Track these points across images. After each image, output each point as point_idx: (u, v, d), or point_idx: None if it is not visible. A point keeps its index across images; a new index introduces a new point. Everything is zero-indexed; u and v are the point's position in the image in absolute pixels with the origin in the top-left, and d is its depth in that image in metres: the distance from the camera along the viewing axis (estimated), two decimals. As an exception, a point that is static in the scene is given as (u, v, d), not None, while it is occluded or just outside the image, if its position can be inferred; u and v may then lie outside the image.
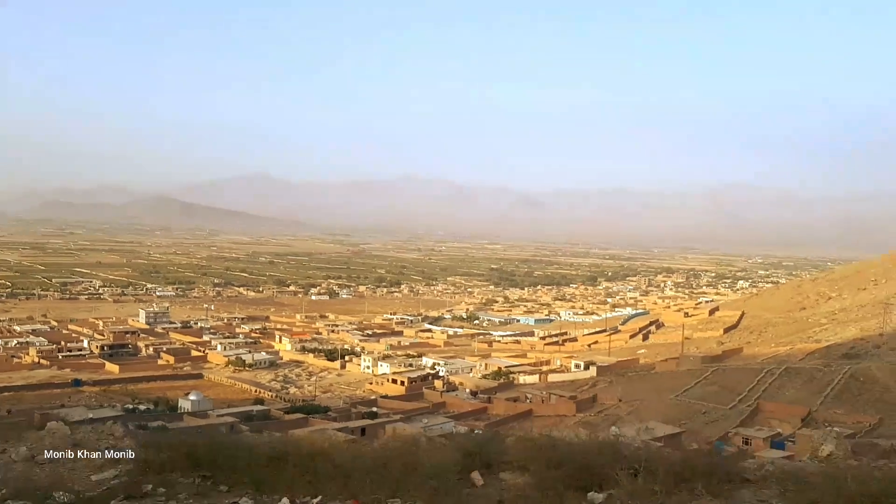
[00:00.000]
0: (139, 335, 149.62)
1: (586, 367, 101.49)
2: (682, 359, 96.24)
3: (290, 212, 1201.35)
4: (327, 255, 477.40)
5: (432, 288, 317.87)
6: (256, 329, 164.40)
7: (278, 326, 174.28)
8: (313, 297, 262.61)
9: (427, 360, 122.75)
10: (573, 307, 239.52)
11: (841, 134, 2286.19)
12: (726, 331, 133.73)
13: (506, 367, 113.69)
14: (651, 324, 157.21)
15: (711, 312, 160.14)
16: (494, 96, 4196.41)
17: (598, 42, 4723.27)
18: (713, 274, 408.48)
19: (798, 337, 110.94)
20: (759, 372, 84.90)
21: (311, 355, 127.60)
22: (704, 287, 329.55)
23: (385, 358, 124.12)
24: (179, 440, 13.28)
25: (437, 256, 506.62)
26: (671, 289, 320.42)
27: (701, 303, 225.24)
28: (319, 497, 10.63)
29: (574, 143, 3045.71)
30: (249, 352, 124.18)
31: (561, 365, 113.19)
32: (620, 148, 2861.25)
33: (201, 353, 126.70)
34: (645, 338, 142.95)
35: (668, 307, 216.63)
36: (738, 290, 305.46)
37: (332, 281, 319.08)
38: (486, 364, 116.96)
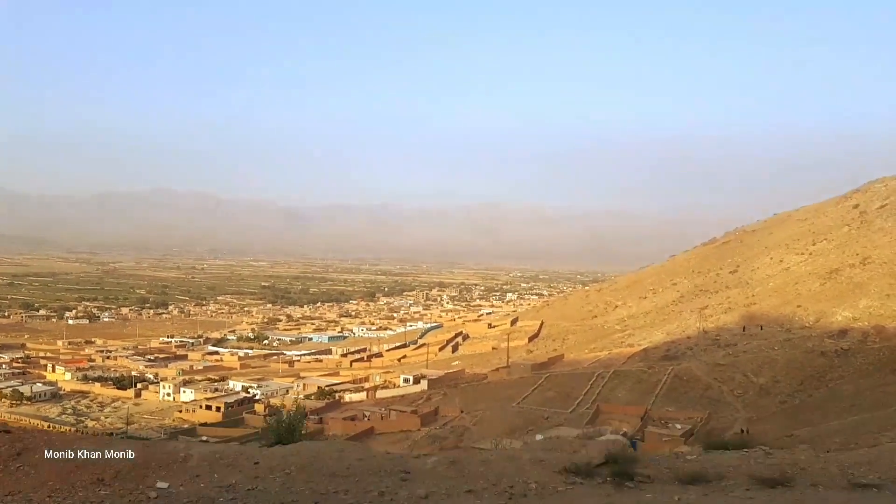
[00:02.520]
0: None
1: (416, 381, 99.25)
2: (512, 367, 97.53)
3: (23, 228, 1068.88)
4: (74, 274, 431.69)
5: (204, 308, 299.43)
6: (17, 358, 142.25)
7: (41, 355, 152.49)
8: (71, 322, 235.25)
9: (235, 384, 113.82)
10: (363, 323, 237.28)
11: (582, 153, 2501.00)
12: (531, 339, 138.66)
13: (326, 385, 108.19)
14: (457, 336, 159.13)
15: (513, 323, 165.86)
16: (250, 109, 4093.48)
17: (351, 62, 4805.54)
18: (483, 287, 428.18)
19: (605, 342, 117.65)
20: (590, 376, 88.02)
21: (97, 384, 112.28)
22: (478, 300, 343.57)
23: (187, 384, 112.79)
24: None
25: (201, 275, 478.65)
26: (448, 302, 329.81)
27: (483, 315, 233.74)
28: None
29: (333, 160, 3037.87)
30: (23, 383, 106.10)
31: (384, 381, 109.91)
32: (381, 165, 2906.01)
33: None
34: (454, 349, 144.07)
35: (453, 319, 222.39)
36: (508, 301, 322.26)
37: (87, 303, 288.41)
38: (303, 384, 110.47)
